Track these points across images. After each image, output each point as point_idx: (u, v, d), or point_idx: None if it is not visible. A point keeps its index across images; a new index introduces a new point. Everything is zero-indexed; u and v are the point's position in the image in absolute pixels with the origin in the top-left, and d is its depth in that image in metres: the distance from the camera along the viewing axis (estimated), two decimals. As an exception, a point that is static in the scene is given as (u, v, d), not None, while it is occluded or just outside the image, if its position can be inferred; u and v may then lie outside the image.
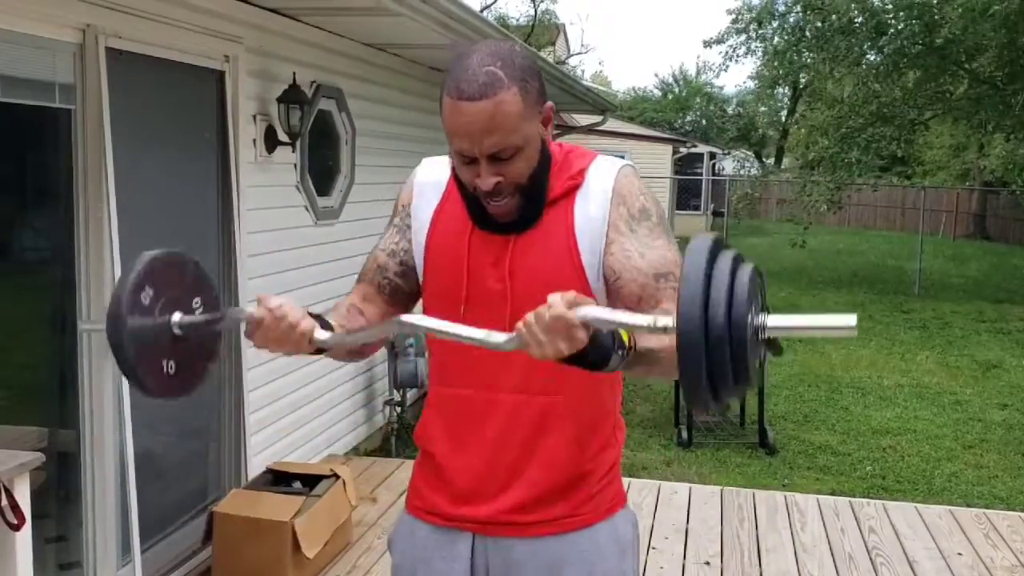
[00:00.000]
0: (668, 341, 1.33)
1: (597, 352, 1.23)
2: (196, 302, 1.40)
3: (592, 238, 1.50)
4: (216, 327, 1.41)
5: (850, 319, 1.07)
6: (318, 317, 1.44)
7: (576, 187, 1.52)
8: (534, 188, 1.48)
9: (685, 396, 1.14)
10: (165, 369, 1.34)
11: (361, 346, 1.56)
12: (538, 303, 1.50)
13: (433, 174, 1.63)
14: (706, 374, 1.08)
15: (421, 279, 1.61)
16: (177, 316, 1.35)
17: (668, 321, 1.13)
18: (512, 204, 1.46)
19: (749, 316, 1.09)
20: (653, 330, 1.16)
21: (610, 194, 1.51)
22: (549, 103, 1.48)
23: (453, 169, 1.52)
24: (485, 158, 1.41)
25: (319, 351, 1.44)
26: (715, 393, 1.11)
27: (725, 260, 1.12)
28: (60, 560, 3.15)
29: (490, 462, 1.55)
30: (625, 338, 1.26)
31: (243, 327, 1.42)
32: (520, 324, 1.22)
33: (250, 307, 1.37)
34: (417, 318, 1.33)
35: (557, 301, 1.19)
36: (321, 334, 1.38)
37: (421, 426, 1.66)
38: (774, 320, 1.12)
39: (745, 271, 1.12)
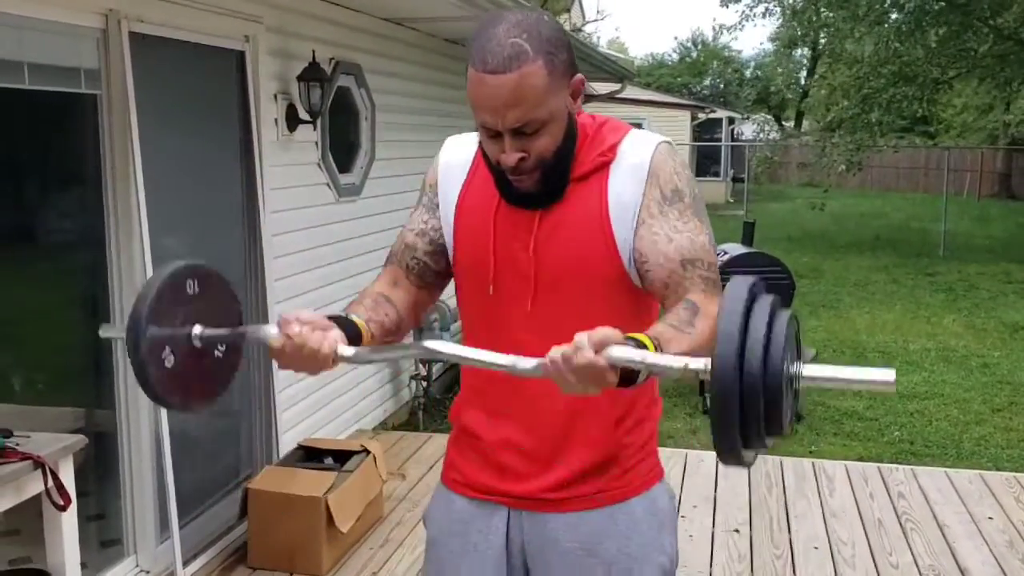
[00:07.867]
0: (699, 341, 1.29)
1: (625, 381, 1.20)
2: (218, 316, 1.38)
3: (626, 217, 1.47)
4: (238, 342, 1.39)
5: (889, 374, 1.03)
6: (341, 319, 1.41)
7: (607, 163, 1.49)
8: (558, 163, 1.45)
9: (715, 445, 1.09)
10: (167, 367, 1.32)
11: (395, 331, 1.55)
12: (568, 281, 1.49)
13: (459, 152, 1.62)
14: (739, 423, 1.06)
15: (451, 258, 1.61)
16: (198, 328, 1.35)
17: (701, 364, 1.10)
18: (534, 179, 1.45)
19: (785, 365, 1.06)
20: (685, 373, 1.12)
21: (645, 172, 1.47)
22: (579, 75, 1.45)
23: (480, 143, 1.50)
24: (509, 132, 1.39)
25: None
26: (746, 440, 1.08)
27: (762, 306, 1.09)
28: (101, 537, 3.22)
29: (528, 441, 1.56)
30: (651, 347, 1.20)
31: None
32: (547, 361, 1.18)
33: (272, 328, 1.34)
34: (442, 344, 1.30)
35: (584, 344, 1.14)
36: (345, 350, 1.34)
37: (457, 405, 1.68)
38: (810, 370, 1.09)
39: (782, 318, 1.10)
